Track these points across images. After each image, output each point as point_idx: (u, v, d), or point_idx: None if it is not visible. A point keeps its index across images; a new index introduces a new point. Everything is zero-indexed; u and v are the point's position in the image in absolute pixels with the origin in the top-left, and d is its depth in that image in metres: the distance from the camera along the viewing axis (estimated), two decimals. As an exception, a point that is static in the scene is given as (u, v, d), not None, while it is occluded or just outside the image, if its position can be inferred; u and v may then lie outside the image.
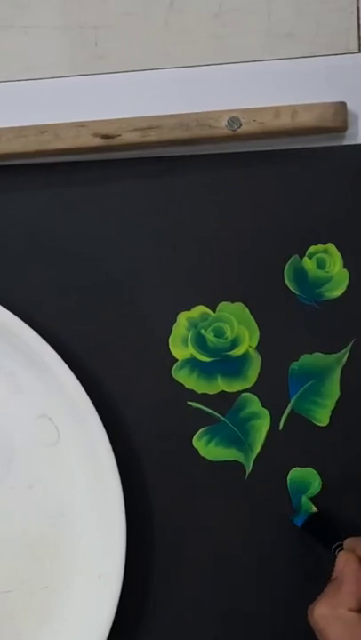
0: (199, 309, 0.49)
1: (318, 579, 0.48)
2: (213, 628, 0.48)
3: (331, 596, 0.41)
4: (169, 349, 0.49)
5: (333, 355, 0.48)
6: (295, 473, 0.48)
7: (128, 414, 0.49)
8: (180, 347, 0.49)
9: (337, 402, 0.48)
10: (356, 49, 0.49)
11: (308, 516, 0.47)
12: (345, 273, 0.48)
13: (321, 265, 0.48)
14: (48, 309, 0.49)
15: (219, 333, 0.49)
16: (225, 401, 0.48)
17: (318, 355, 0.48)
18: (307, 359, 0.48)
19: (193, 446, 0.48)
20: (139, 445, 0.49)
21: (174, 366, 0.49)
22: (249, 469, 0.48)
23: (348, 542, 0.44)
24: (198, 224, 0.49)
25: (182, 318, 0.49)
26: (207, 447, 0.48)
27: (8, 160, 0.49)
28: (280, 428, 0.48)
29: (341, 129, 0.47)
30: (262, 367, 0.48)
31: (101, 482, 0.46)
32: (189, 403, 0.49)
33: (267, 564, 0.48)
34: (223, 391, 0.49)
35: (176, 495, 0.48)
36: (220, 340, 0.49)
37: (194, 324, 0.49)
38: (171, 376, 0.49)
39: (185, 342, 0.49)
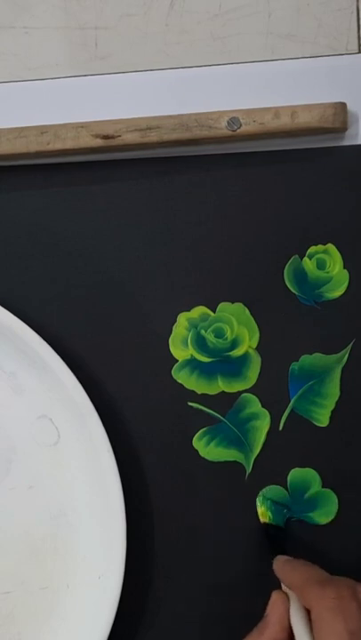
0: (199, 310, 0.49)
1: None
2: (213, 628, 0.48)
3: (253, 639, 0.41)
4: (169, 350, 0.49)
5: (333, 355, 0.48)
6: (295, 473, 0.48)
7: (128, 414, 0.49)
8: (181, 347, 0.49)
9: (337, 402, 0.48)
10: (356, 49, 0.49)
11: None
12: (345, 273, 0.48)
13: (321, 265, 0.48)
14: (48, 309, 0.49)
15: (219, 334, 0.49)
16: (225, 401, 0.48)
17: (318, 355, 0.48)
18: (307, 359, 0.48)
19: (193, 447, 0.49)
20: (139, 445, 0.49)
21: (174, 367, 0.49)
22: (249, 470, 0.48)
23: (287, 578, 0.42)
24: (198, 224, 0.49)
25: (182, 319, 0.49)
26: (207, 448, 0.48)
27: (8, 160, 0.49)
28: (280, 428, 0.48)
29: (341, 129, 0.47)
30: (262, 367, 0.48)
31: (101, 482, 0.46)
32: (189, 403, 0.49)
33: (267, 564, 0.48)
34: (223, 392, 0.49)
35: (176, 495, 0.48)
36: (220, 340, 0.49)
37: (194, 325, 0.49)
38: (171, 377, 0.49)
39: (185, 343, 0.49)
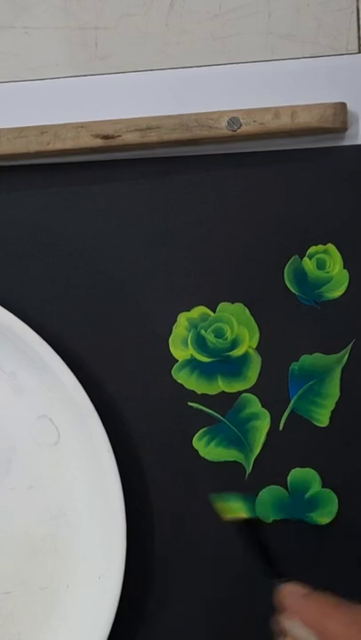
0: (199, 310, 0.49)
1: (319, 579, 0.48)
2: (214, 628, 0.48)
3: None
4: (169, 350, 0.49)
5: (333, 355, 0.48)
6: (295, 473, 0.48)
7: (128, 414, 0.49)
8: (181, 347, 0.49)
9: (337, 402, 0.48)
10: (356, 49, 0.49)
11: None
12: (345, 273, 0.48)
13: (321, 265, 0.48)
14: (48, 309, 0.49)
15: (219, 334, 0.49)
16: (225, 401, 0.48)
17: (318, 355, 0.48)
18: (307, 360, 0.48)
19: (193, 447, 0.49)
20: (139, 445, 0.49)
21: (174, 367, 0.49)
22: (249, 470, 0.48)
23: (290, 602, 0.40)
24: (198, 224, 0.49)
25: (182, 319, 0.49)
26: (207, 448, 0.48)
27: (8, 160, 0.49)
28: (280, 428, 0.48)
29: (341, 129, 0.47)
30: (262, 367, 0.48)
31: (101, 482, 0.46)
32: (189, 403, 0.49)
33: (267, 564, 0.48)
34: (223, 392, 0.49)
35: (176, 495, 0.48)
36: (220, 340, 0.49)
37: (194, 325, 0.49)
38: (171, 376, 0.49)
39: (185, 343, 0.49)
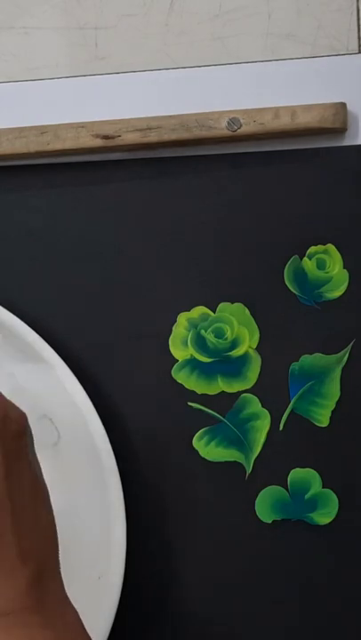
0: (199, 310, 0.49)
1: (319, 579, 0.48)
2: (213, 628, 0.48)
3: None
4: (169, 350, 0.49)
5: (333, 355, 0.48)
6: (295, 473, 0.48)
7: (128, 414, 0.49)
8: (180, 347, 0.49)
9: (337, 402, 0.48)
10: (356, 49, 0.49)
11: None
12: (345, 273, 0.48)
13: (321, 265, 0.48)
14: (48, 309, 0.49)
15: (219, 334, 0.49)
16: (225, 401, 0.48)
17: (318, 355, 0.48)
18: (307, 360, 0.48)
19: (193, 447, 0.48)
20: (139, 445, 0.49)
21: (174, 367, 0.49)
22: (249, 470, 0.48)
23: None
24: (198, 225, 0.49)
25: (182, 319, 0.49)
26: (207, 448, 0.48)
27: (8, 161, 0.49)
28: (280, 428, 0.48)
29: (341, 130, 0.47)
30: (262, 368, 0.48)
31: (101, 482, 0.46)
32: (189, 403, 0.49)
33: (267, 564, 0.48)
34: (223, 392, 0.49)
35: (176, 495, 0.48)
36: (220, 340, 0.49)
37: (194, 325, 0.49)
38: (171, 377, 0.49)
39: (185, 343, 0.49)
